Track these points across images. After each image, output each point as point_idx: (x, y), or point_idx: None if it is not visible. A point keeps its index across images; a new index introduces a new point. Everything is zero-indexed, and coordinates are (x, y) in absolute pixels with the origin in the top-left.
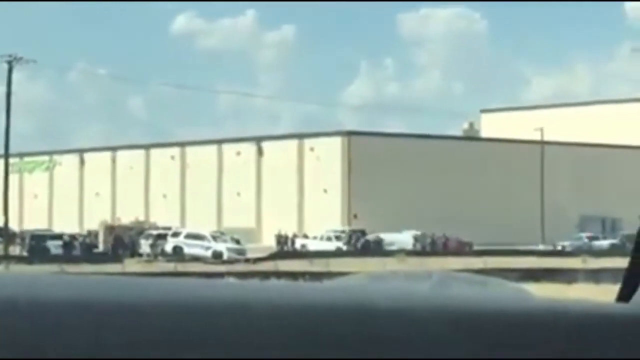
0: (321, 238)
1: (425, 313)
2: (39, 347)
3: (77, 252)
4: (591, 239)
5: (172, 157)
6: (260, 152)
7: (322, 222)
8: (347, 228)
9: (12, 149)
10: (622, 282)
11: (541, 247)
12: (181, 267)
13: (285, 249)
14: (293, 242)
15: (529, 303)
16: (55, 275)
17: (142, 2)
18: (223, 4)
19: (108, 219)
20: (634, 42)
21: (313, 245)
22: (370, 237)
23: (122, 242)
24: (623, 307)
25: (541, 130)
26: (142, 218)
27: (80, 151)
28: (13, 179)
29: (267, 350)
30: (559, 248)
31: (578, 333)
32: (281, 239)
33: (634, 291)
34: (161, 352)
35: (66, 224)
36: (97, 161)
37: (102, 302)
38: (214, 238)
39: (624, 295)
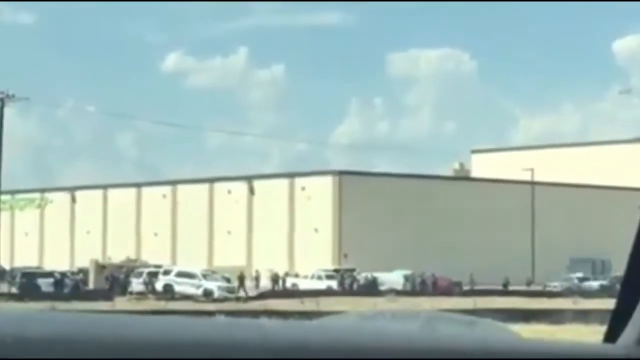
0: (312, 277)
1: (413, 353)
2: None
3: (68, 289)
4: (581, 279)
5: (164, 196)
6: (251, 190)
7: (313, 261)
8: (338, 267)
9: (4, 186)
10: (608, 323)
11: (531, 288)
12: (171, 305)
13: (275, 288)
14: (284, 281)
15: (516, 344)
16: (46, 312)
17: (133, 39)
18: (214, 42)
19: (99, 257)
20: (622, 84)
21: (304, 285)
22: (363, 276)
23: (118, 280)
24: (609, 347)
25: (531, 170)
26: (133, 256)
27: (72, 189)
28: (4, 216)
29: None
30: (549, 289)
31: None
32: (274, 278)
33: (620, 332)
34: None
35: (57, 262)
36: (89, 199)
37: (91, 339)
38: (205, 276)
39: (611, 336)
